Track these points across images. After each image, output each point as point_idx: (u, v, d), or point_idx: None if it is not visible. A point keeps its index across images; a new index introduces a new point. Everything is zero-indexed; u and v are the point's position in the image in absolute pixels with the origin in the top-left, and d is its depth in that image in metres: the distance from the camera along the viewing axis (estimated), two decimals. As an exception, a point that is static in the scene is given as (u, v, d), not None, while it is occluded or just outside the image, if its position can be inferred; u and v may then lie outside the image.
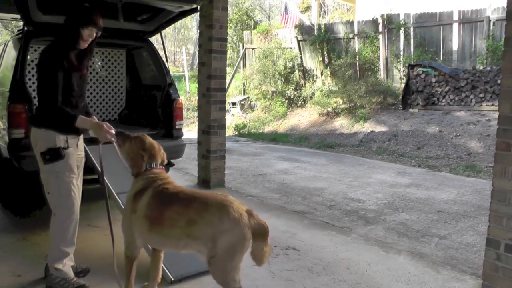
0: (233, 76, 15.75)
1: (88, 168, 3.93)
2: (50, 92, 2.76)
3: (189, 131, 12.77)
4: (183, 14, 4.84)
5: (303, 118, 12.36)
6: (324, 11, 20.97)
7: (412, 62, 10.85)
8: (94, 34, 2.87)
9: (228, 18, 5.85)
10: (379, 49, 11.95)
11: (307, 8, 19.49)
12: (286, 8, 14.44)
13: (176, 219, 2.40)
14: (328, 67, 12.87)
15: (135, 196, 2.58)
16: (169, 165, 4.91)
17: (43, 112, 2.82)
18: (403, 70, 11.41)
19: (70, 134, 2.88)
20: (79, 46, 2.86)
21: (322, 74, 13.11)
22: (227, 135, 7.03)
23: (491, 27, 10.38)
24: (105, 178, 3.68)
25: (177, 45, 29.59)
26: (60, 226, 2.88)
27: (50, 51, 2.81)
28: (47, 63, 2.78)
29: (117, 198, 3.56)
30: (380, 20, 11.84)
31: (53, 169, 2.82)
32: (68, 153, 2.86)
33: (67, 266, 2.92)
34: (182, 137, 5.00)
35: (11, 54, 4.50)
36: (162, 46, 5.48)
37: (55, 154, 2.80)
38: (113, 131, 2.83)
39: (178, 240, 2.43)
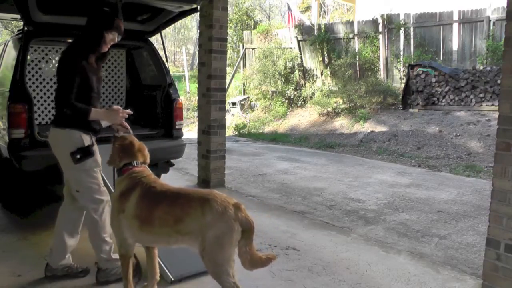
0: (233, 76, 15.75)
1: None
2: (64, 90, 2.82)
3: (189, 131, 12.77)
4: (183, 14, 4.84)
5: (303, 118, 12.36)
6: (324, 11, 20.98)
7: (412, 62, 10.84)
8: (116, 39, 2.95)
9: (228, 18, 5.85)
10: (379, 49, 11.95)
11: (307, 8, 19.49)
12: (289, 7, 14.50)
13: (164, 218, 2.44)
14: (328, 67, 12.87)
15: (121, 195, 2.61)
16: (169, 165, 4.95)
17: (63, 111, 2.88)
18: (403, 70, 11.41)
19: (93, 133, 2.97)
20: (100, 49, 2.95)
21: (322, 74, 13.11)
22: (227, 135, 7.03)
23: (491, 27, 10.38)
24: (105, 178, 3.70)
25: (177, 45, 29.59)
26: (100, 218, 2.95)
27: (71, 52, 2.88)
28: (67, 63, 2.85)
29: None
30: (380, 20, 11.84)
31: (83, 167, 2.89)
32: (95, 150, 2.96)
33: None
34: (182, 137, 5.00)
35: (11, 54, 4.50)
36: (162, 46, 5.47)
37: (85, 153, 2.87)
38: (126, 114, 2.98)
39: (169, 237, 2.48)
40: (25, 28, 4.24)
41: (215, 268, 2.37)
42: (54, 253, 3.05)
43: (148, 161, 2.85)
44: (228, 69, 13.69)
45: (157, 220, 2.46)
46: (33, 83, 5.00)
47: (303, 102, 12.94)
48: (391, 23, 11.73)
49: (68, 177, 2.98)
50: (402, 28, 11.58)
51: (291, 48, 13.91)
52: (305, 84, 13.22)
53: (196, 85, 7.27)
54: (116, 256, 2.98)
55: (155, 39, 5.88)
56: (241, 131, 12.32)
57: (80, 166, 2.87)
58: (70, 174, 2.95)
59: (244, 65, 15.73)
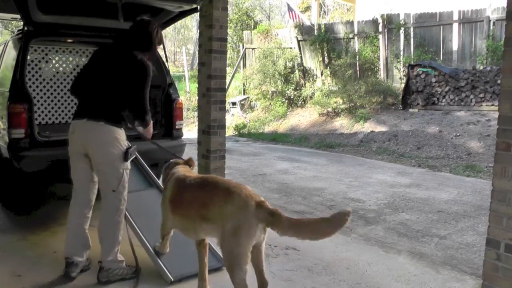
0: (233, 76, 15.74)
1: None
2: (146, 97, 2.99)
3: (189, 131, 12.77)
4: (183, 14, 4.85)
5: (303, 118, 12.36)
6: (324, 11, 20.96)
7: (412, 62, 10.84)
8: None
9: (228, 18, 5.83)
10: (379, 49, 11.95)
11: (307, 8, 19.48)
12: (289, 6, 14.58)
13: (191, 202, 2.65)
14: (328, 67, 12.86)
15: (164, 185, 2.96)
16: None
17: (122, 112, 2.99)
18: (403, 70, 11.40)
19: None
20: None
21: (322, 74, 13.10)
22: (227, 135, 7.03)
23: (491, 27, 10.38)
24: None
25: (177, 45, 29.57)
26: (121, 220, 3.06)
27: (143, 58, 2.99)
28: (148, 70, 2.97)
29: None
30: (380, 20, 11.84)
31: (127, 166, 3.01)
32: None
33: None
34: (182, 137, 5.00)
35: (11, 54, 4.50)
36: (162, 46, 5.47)
37: (132, 152, 3.00)
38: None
39: (194, 223, 2.64)
40: (25, 28, 4.24)
41: (230, 261, 2.43)
42: (81, 247, 3.08)
43: (192, 164, 3.12)
44: (228, 69, 13.68)
45: (185, 203, 2.68)
46: (33, 83, 5.00)
47: (303, 102, 12.94)
48: (391, 23, 11.72)
49: (110, 175, 2.95)
50: (402, 28, 11.58)
51: (291, 48, 13.90)
52: (305, 84, 13.22)
53: (196, 85, 7.27)
54: (121, 257, 3.06)
55: (155, 39, 5.87)
56: (241, 131, 12.32)
57: (125, 165, 2.97)
58: (113, 173, 2.94)
59: (244, 65, 15.72)
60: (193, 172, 2.97)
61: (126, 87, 2.94)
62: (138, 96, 2.95)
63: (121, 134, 2.95)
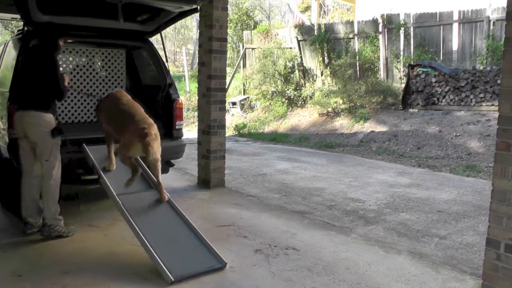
0: (233, 76, 15.74)
1: (89, 168, 3.95)
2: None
3: (189, 131, 12.77)
4: (183, 14, 4.85)
5: (303, 118, 12.36)
6: (324, 11, 20.95)
7: (412, 62, 10.84)
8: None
9: (228, 18, 5.84)
10: (379, 49, 11.95)
11: (307, 8, 19.47)
12: (290, 9, 14.64)
13: (117, 122, 3.89)
14: (328, 67, 12.86)
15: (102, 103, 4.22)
16: (169, 165, 4.94)
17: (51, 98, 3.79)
18: (403, 70, 11.40)
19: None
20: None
21: (322, 74, 13.10)
22: (227, 135, 7.03)
23: (491, 27, 10.38)
24: (105, 179, 3.72)
25: (177, 45, 29.58)
26: (57, 185, 3.74)
27: None
28: (57, 66, 3.89)
29: (118, 199, 3.57)
30: (380, 20, 11.84)
31: (56, 141, 3.71)
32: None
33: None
34: (182, 137, 5.00)
35: (11, 54, 4.51)
36: (162, 46, 5.48)
37: (59, 131, 3.72)
38: None
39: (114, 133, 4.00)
40: (25, 28, 4.24)
41: (119, 155, 3.79)
42: (34, 211, 3.79)
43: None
44: (228, 69, 13.67)
45: (111, 122, 3.96)
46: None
47: (303, 102, 12.93)
48: (391, 23, 11.73)
49: (41, 149, 3.66)
50: (402, 28, 11.58)
51: (291, 48, 13.90)
52: (305, 84, 13.22)
53: (196, 85, 7.27)
54: (59, 217, 3.75)
55: (155, 39, 5.89)
56: (241, 131, 12.32)
57: (54, 140, 3.68)
58: (43, 148, 3.65)
59: (244, 65, 15.72)
60: (124, 95, 4.06)
61: (46, 81, 3.69)
62: (55, 84, 3.73)
63: (48, 118, 3.67)
